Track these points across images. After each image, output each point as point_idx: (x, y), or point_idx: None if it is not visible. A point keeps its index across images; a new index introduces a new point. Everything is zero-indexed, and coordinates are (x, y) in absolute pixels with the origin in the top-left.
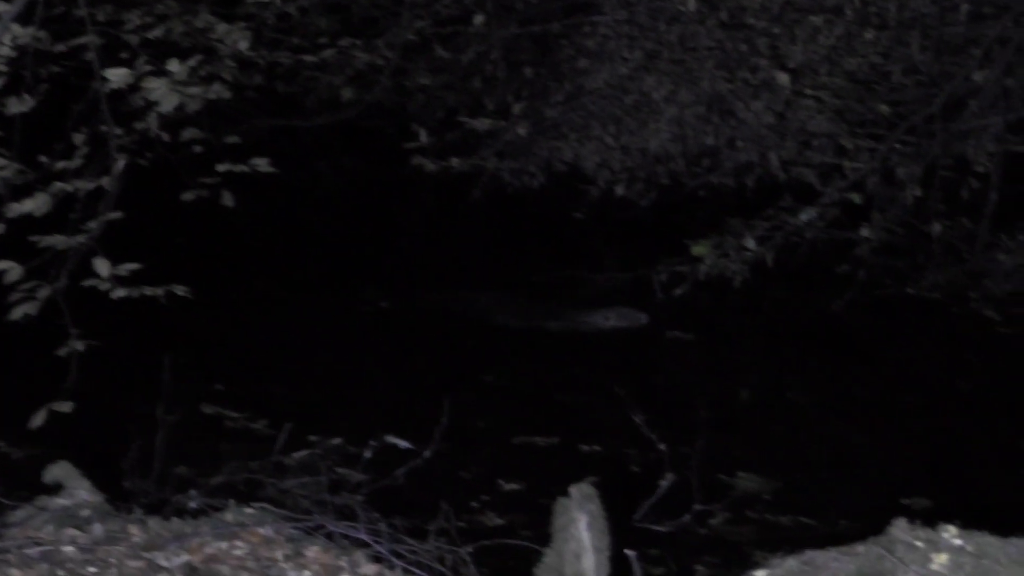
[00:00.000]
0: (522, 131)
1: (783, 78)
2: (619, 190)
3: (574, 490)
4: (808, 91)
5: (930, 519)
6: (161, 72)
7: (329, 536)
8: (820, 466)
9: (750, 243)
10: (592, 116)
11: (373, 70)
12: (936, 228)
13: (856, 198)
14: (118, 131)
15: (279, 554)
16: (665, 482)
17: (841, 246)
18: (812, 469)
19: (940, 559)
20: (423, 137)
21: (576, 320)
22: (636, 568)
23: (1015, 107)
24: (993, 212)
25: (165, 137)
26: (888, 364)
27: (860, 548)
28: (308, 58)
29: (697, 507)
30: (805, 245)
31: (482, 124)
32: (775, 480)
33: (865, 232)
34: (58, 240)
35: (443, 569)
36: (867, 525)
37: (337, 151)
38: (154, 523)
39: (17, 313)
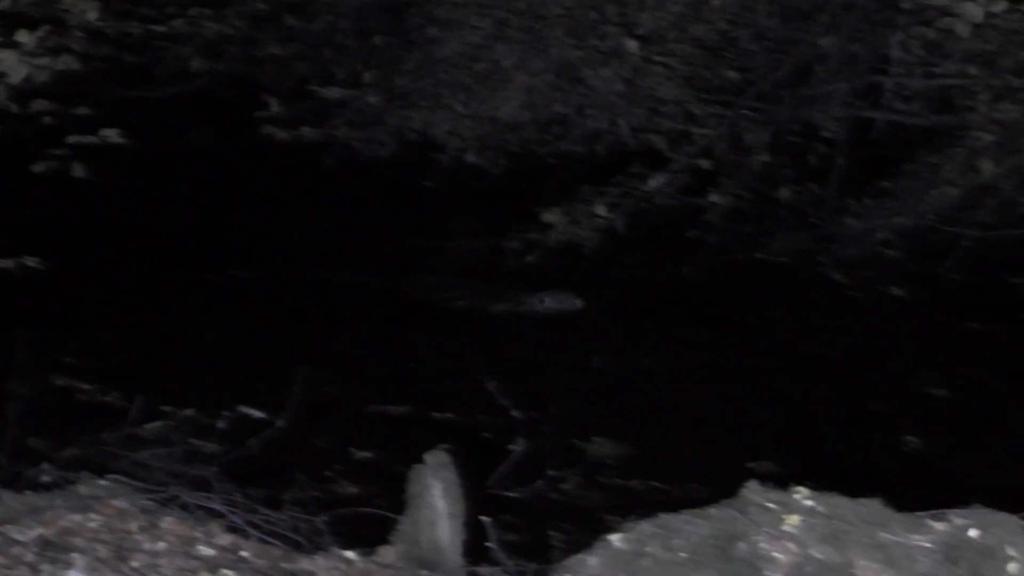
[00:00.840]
0: (373, 100)
1: (632, 45)
2: (470, 158)
3: (428, 458)
4: (657, 58)
5: (782, 481)
6: (10, 43)
7: (184, 507)
8: (673, 430)
9: (601, 210)
10: (443, 84)
11: (223, 40)
12: (784, 193)
13: (705, 164)
14: None
15: (134, 526)
16: (519, 449)
17: (691, 212)
18: (665, 433)
19: (792, 520)
20: (274, 106)
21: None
22: (491, 534)
23: (861, 72)
24: (841, 177)
25: (14, 108)
26: (738, 328)
27: (713, 511)
28: (158, 28)
29: (551, 473)
30: (655, 211)
31: (333, 93)
32: (628, 445)
33: (714, 198)
34: None
35: (298, 538)
36: (720, 488)
37: (188, 121)
38: (7, 497)
39: None
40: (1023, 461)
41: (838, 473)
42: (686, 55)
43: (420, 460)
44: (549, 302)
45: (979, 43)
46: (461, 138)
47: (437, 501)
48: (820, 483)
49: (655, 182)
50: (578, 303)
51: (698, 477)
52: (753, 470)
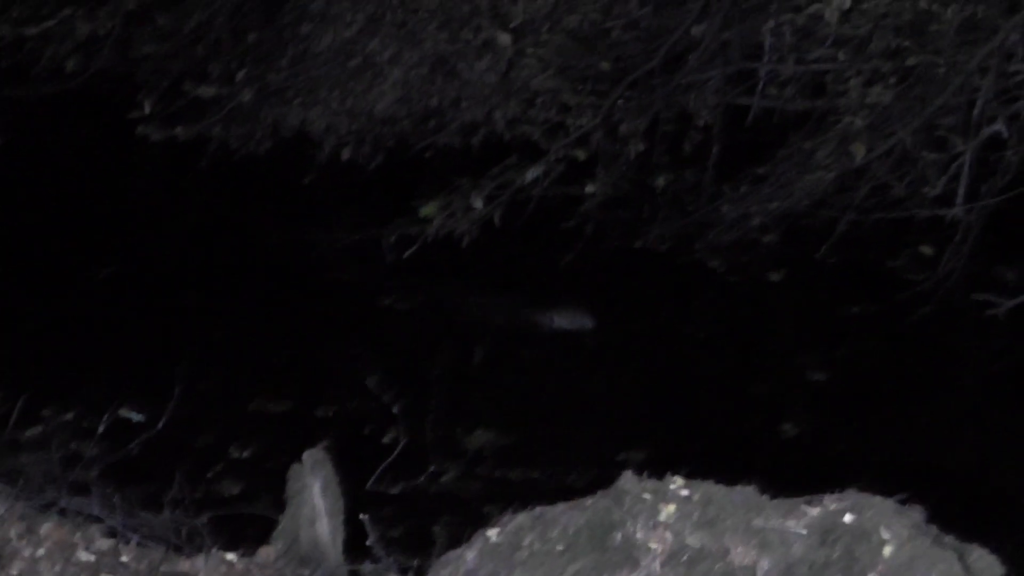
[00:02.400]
0: (247, 97)
1: (505, 38)
2: (346, 153)
3: (307, 456)
4: (530, 50)
5: (658, 470)
6: None
7: (63, 512)
8: (552, 421)
9: (477, 202)
10: (317, 80)
11: (96, 39)
12: (661, 181)
13: (581, 154)
14: None
15: (12, 532)
16: (398, 444)
17: (568, 202)
18: (544, 424)
19: (668, 509)
20: (147, 106)
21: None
22: (370, 531)
23: (734, 60)
24: (716, 164)
25: None
26: (617, 316)
27: (589, 501)
28: (31, 30)
29: (431, 468)
30: (532, 202)
31: (207, 91)
32: (507, 436)
33: (591, 188)
34: None
35: (178, 541)
36: (597, 478)
37: (63, 121)
38: None
39: None
40: (899, 444)
41: (715, 460)
42: (559, 46)
43: (299, 458)
44: (559, 321)
45: (848, 29)
46: (337, 133)
47: (316, 499)
48: (697, 470)
49: (531, 173)
50: (589, 322)
51: (576, 467)
52: (630, 459)
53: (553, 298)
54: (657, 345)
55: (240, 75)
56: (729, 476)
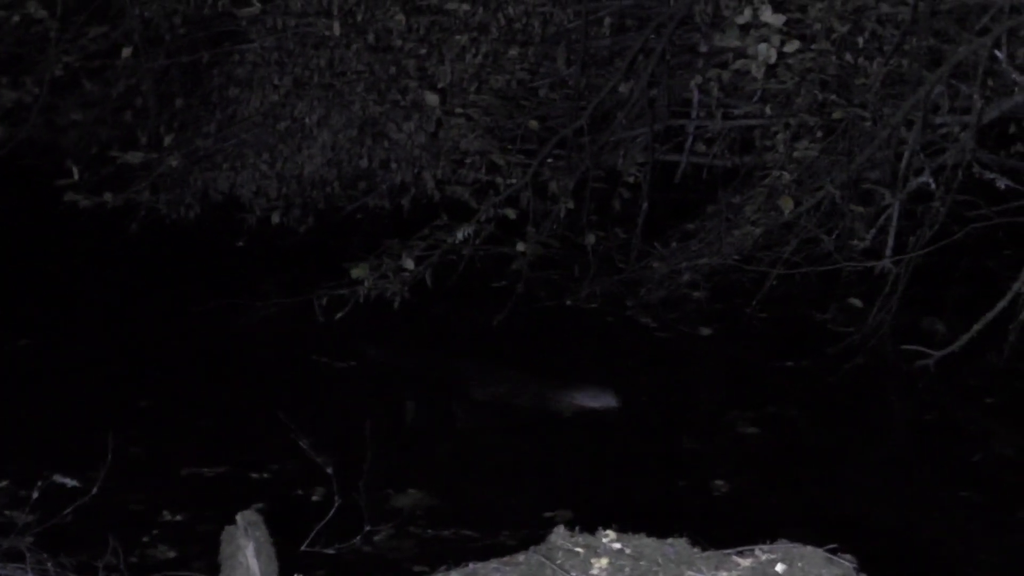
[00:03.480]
0: (175, 163)
1: (432, 98)
2: (276, 217)
3: (240, 517)
4: (458, 110)
5: (589, 525)
6: None
7: None
8: (483, 480)
9: (408, 263)
10: (245, 144)
11: (22, 107)
12: (590, 239)
13: (510, 213)
14: None
15: None
16: (333, 505)
17: (498, 261)
18: (475, 483)
19: (600, 563)
20: (75, 173)
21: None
22: None
23: (661, 117)
24: (645, 221)
25: None
26: (547, 374)
27: (521, 557)
28: None
29: (366, 527)
30: (463, 262)
31: (135, 157)
32: (439, 496)
33: (521, 247)
34: None
35: None
36: (529, 534)
37: None
38: None
39: None
40: (829, 496)
41: (647, 514)
42: (487, 106)
43: (233, 520)
44: (581, 398)
45: (774, 83)
46: (267, 197)
47: (250, 561)
48: (627, 526)
49: (461, 233)
50: (613, 401)
51: (508, 524)
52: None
53: (487, 360)
54: (587, 401)
55: (168, 140)
56: (661, 530)
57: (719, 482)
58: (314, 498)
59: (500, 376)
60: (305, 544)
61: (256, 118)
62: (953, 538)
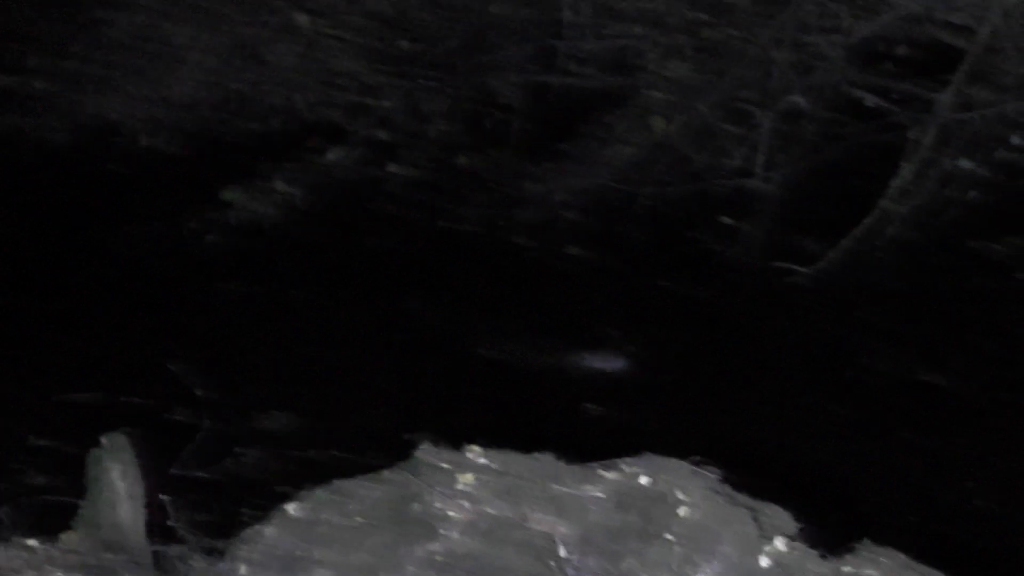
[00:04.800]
0: (40, 85)
1: (304, 19)
2: (144, 140)
3: (105, 440)
4: (329, 31)
5: (456, 441)
6: None
7: None
8: (349, 400)
9: (280, 185)
10: (114, 67)
11: None
12: (464, 160)
13: (383, 135)
14: None
15: None
16: (201, 428)
17: (371, 183)
18: (342, 404)
19: (466, 478)
20: None
21: None
22: (171, 513)
23: (535, 37)
24: (519, 142)
25: None
26: (422, 297)
27: (387, 474)
28: None
29: (233, 449)
30: (335, 184)
31: None
32: (307, 417)
33: (394, 168)
34: None
35: None
36: (395, 452)
37: None
38: None
39: None
40: (699, 413)
41: (510, 430)
42: (359, 27)
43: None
44: (589, 359)
45: (646, 3)
46: (136, 120)
47: (116, 483)
48: (493, 440)
49: (333, 155)
50: (620, 363)
51: (374, 443)
52: (427, 432)
53: (360, 281)
54: (459, 322)
55: (32, 63)
56: (525, 445)
57: (590, 406)
58: (181, 420)
59: (375, 302)
60: (173, 467)
61: (124, 39)
62: (825, 453)
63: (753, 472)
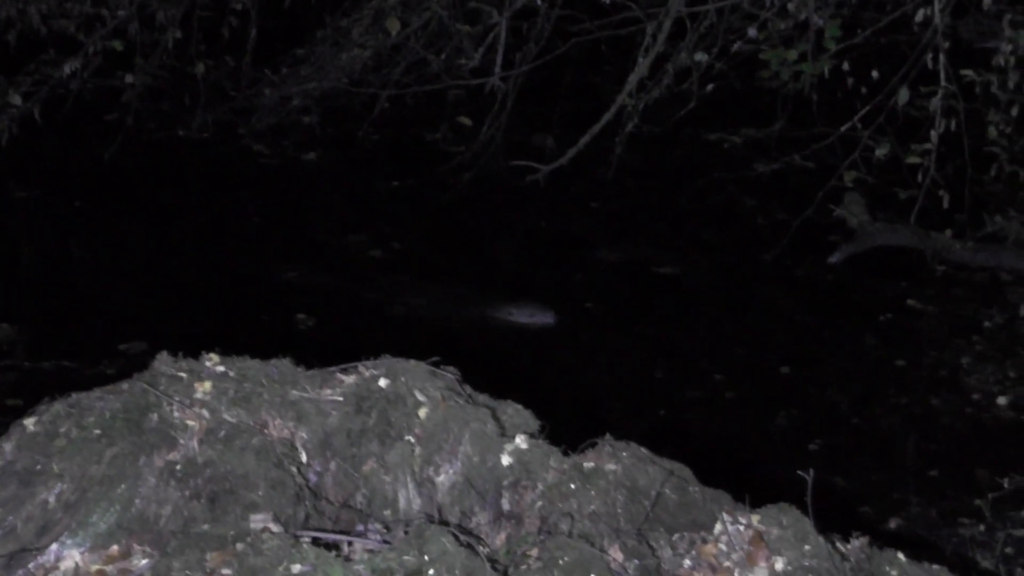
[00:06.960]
0: None
1: None
2: None
3: None
4: None
5: (193, 350)
6: None
7: None
8: (83, 313)
9: (16, 99)
10: None
11: None
12: (200, 68)
13: (118, 45)
14: None
15: None
16: None
17: (108, 94)
18: (69, 313)
19: (204, 387)
20: None
21: None
22: None
23: None
24: (255, 48)
25: None
26: (163, 206)
27: (125, 385)
28: None
29: None
30: (71, 96)
31: None
32: (36, 329)
33: (130, 78)
34: None
35: None
36: (131, 363)
37: None
38: None
39: None
40: (431, 310)
41: (247, 338)
42: None
43: None
44: (517, 315)
45: None
46: None
47: None
48: (231, 349)
49: (68, 67)
50: (550, 318)
51: (108, 355)
52: (162, 340)
53: (96, 190)
54: (198, 230)
55: None
56: (263, 353)
57: (300, 315)
58: None
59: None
60: None
61: None
62: (563, 351)
63: (494, 372)
